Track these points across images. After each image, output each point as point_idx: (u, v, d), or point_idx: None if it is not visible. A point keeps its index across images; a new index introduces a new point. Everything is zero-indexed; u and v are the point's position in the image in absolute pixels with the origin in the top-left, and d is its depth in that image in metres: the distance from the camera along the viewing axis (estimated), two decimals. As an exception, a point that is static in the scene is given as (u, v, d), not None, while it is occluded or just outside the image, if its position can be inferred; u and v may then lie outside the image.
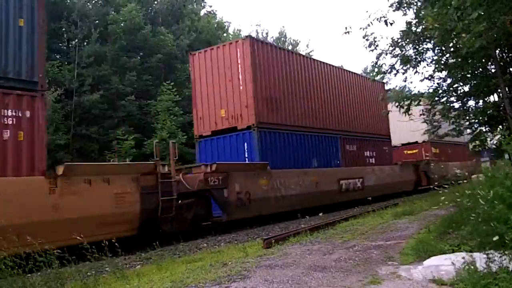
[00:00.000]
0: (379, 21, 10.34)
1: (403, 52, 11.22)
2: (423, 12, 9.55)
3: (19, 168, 8.03)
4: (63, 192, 8.33)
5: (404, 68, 11.40)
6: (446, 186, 8.42)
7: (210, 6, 50.87)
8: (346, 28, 10.30)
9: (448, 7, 7.21)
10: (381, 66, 11.74)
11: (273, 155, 14.46)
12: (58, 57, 29.91)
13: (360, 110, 20.98)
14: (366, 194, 17.62)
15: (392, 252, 5.97)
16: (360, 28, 10.92)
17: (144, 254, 8.64)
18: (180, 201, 10.79)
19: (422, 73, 11.57)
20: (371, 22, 10.40)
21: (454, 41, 8.87)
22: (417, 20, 10.72)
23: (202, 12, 40.01)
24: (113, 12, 30.68)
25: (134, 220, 9.48)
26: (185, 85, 28.91)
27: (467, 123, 12.85)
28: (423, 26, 9.79)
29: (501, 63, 10.45)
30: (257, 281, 4.78)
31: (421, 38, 10.72)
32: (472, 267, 3.99)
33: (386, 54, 11.32)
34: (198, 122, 15.68)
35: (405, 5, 10.85)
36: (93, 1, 32.91)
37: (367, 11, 16.76)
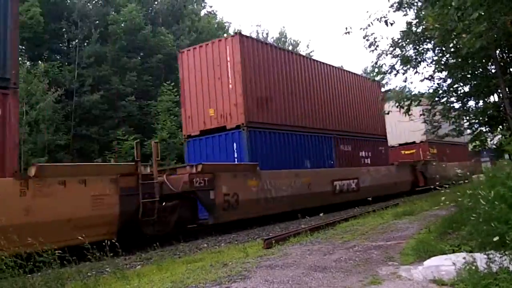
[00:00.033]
0: (380, 21, 10.34)
1: (403, 53, 11.22)
2: (423, 12, 9.55)
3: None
4: (35, 194, 7.95)
5: (404, 68, 11.40)
6: (446, 186, 8.42)
7: (211, 7, 51.04)
8: (346, 28, 10.32)
9: (449, 7, 7.21)
10: (381, 66, 11.74)
11: (264, 155, 14.12)
12: (58, 57, 29.96)
13: (355, 110, 20.61)
14: (361, 196, 17.44)
15: (393, 253, 5.97)
16: (361, 29, 10.93)
17: (145, 254, 8.65)
18: (164, 203, 10.49)
19: (422, 73, 11.58)
20: (371, 22, 10.41)
21: (454, 41, 8.87)
22: (417, 20, 10.72)
23: (203, 13, 40.06)
24: (113, 13, 30.72)
25: (113, 223, 9.07)
26: (185, 86, 28.91)
27: (467, 123, 12.86)
28: (424, 27, 9.79)
29: (501, 64, 10.45)
30: (257, 282, 4.78)
31: (422, 38, 10.72)
32: (473, 267, 3.99)
33: (387, 54, 11.32)
34: (186, 121, 15.36)
35: (406, 5, 10.84)
36: (94, 1, 32.95)
37: (367, 11, 16.73)
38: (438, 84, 11.81)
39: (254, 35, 44.07)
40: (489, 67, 10.89)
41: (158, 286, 5.11)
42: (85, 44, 30.26)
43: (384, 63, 11.66)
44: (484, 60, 10.48)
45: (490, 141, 12.83)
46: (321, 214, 12.54)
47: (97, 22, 30.65)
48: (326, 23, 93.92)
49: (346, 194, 17.35)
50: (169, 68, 30.92)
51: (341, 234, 8.44)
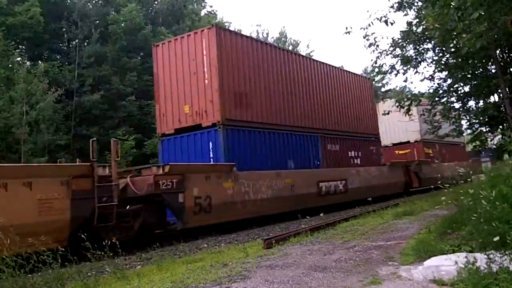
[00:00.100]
0: (380, 21, 10.33)
1: (403, 53, 11.22)
2: (423, 12, 9.55)
3: None
4: None
5: (405, 68, 11.40)
6: (447, 186, 8.41)
7: (211, 6, 51.07)
8: (346, 28, 10.29)
9: (450, 6, 7.21)
10: (381, 66, 11.74)
11: (242, 155, 13.33)
12: (58, 57, 29.99)
13: (344, 107, 19.69)
14: (349, 197, 16.89)
15: (393, 253, 5.97)
16: (361, 28, 10.92)
17: (145, 254, 8.65)
18: (128, 207, 9.79)
19: (422, 73, 11.58)
20: (371, 22, 10.40)
21: (454, 41, 8.87)
22: (417, 20, 10.72)
23: (203, 13, 40.08)
24: (113, 12, 30.74)
25: (63, 230, 8.26)
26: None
27: (468, 123, 12.85)
28: (424, 26, 9.79)
29: (502, 64, 10.45)
30: (257, 282, 4.78)
31: (422, 38, 10.72)
32: (473, 267, 3.99)
33: (387, 54, 11.32)
34: (161, 119, 14.49)
35: (406, 5, 10.84)
36: (94, 1, 32.97)
37: (367, 11, 16.68)
38: (438, 84, 11.82)
39: (254, 35, 44.11)
40: (489, 67, 10.89)
41: (158, 286, 5.11)
42: (85, 44, 30.29)
43: (385, 63, 11.66)
44: (484, 60, 10.48)
45: (490, 141, 12.82)
46: (321, 214, 12.53)
47: (97, 22, 30.68)
48: (326, 23, 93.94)
49: (333, 196, 16.50)
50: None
51: (341, 234, 8.44)
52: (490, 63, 10.67)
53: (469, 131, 13.70)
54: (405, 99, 11.77)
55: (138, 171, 11.12)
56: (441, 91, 11.77)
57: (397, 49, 11.25)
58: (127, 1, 31.34)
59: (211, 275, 5.33)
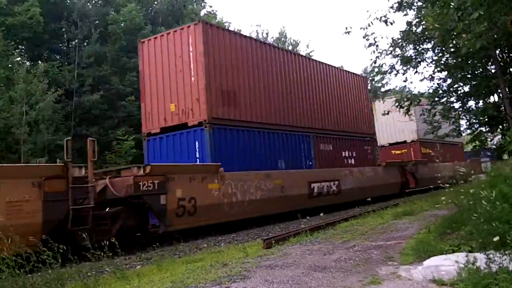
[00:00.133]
0: (380, 21, 10.34)
1: (403, 53, 11.22)
2: (423, 12, 9.55)
3: None
4: None
5: (404, 68, 11.40)
6: (446, 186, 8.41)
7: (211, 7, 51.05)
8: (346, 28, 10.30)
9: (450, 6, 7.21)
10: (381, 66, 11.74)
11: (230, 155, 12.95)
12: (58, 57, 30.00)
13: (338, 106, 19.19)
14: (343, 199, 16.52)
15: (392, 252, 5.97)
16: (361, 28, 10.92)
17: (144, 254, 8.65)
18: (108, 209, 9.45)
19: (422, 73, 11.57)
20: (371, 22, 10.41)
21: (454, 41, 8.87)
22: (417, 20, 10.73)
23: (203, 13, 40.06)
24: (113, 12, 30.73)
25: (35, 234, 7.67)
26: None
27: (468, 123, 12.86)
28: (424, 27, 9.80)
29: (501, 64, 10.45)
30: (257, 281, 4.78)
31: (422, 38, 10.72)
32: (473, 267, 3.99)
33: (387, 54, 11.32)
34: (146, 118, 14.08)
35: (405, 5, 10.84)
36: (93, 1, 32.97)
37: (367, 11, 16.67)
38: (438, 84, 11.81)
39: (254, 35, 44.11)
40: (489, 67, 10.89)
41: (158, 286, 5.11)
42: (85, 44, 30.29)
43: (384, 63, 11.66)
44: (484, 60, 10.49)
45: (490, 141, 12.83)
46: (321, 214, 12.52)
47: (97, 22, 30.67)
48: (326, 23, 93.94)
49: (326, 197, 15.98)
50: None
51: (341, 234, 8.44)
52: (490, 63, 10.68)
53: (468, 131, 13.71)
54: (405, 99, 11.76)
55: (118, 172, 10.57)
56: (441, 91, 11.77)
57: (397, 49, 11.25)
58: (126, 1, 31.34)
59: (211, 275, 5.33)
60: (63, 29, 30.02)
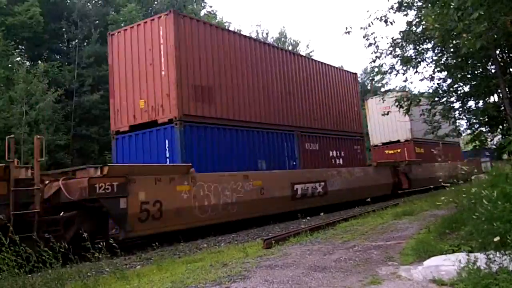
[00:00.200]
0: (380, 21, 10.33)
1: (403, 53, 11.20)
2: (423, 12, 9.54)
3: None
4: None
5: (404, 68, 11.38)
6: (446, 186, 8.41)
7: (210, 7, 51.10)
8: (346, 28, 10.27)
9: (450, 6, 7.21)
10: (381, 66, 11.72)
11: (204, 155, 12.22)
12: (58, 57, 30.01)
13: (326, 103, 18.26)
14: (329, 200, 15.80)
15: (392, 252, 5.97)
16: (361, 28, 10.89)
17: (144, 254, 8.66)
18: (62, 214, 8.74)
19: (422, 73, 11.56)
20: (371, 22, 10.39)
21: (454, 41, 8.86)
22: (417, 20, 10.71)
23: (202, 13, 40.08)
24: (113, 12, 30.75)
25: None
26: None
27: (468, 123, 12.84)
28: (424, 26, 9.79)
29: (501, 64, 10.43)
30: (257, 282, 4.78)
31: (422, 38, 10.71)
32: (473, 267, 3.99)
33: (387, 54, 11.30)
34: (115, 115, 13.29)
35: (405, 5, 10.83)
36: (93, 1, 32.97)
37: (367, 11, 16.64)
38: (438, 84, 11.80)
39: (254, 35, 44.11)
40: (489, 67, 10.87)
41: (158, 286, 5.11)
42: (85, 44, 30.29)
43: (384, 63, 11.64)
44: (484, 60, 10.47)
45: (490, 141, 12.81)
46: (321, 214, 12.51)
47: (97, 22, 30.68)
48: (326, 23, 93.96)
49: (311, 199, 15.14)
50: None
51: (341, 234, 8.45)
52: (490, 63, 10.66)
53: (468, 131, 13.69)
54: (405, 99, 11.75)
55: (73, 173, 9.66)
56: (441, 91, 11.75)
57: (397, 49, 11.23)
58: (126, 1, 31.35)
59: (211, 275, 5.33)
60: (63, 29, 30.03)
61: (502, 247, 4.18)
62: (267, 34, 50.30)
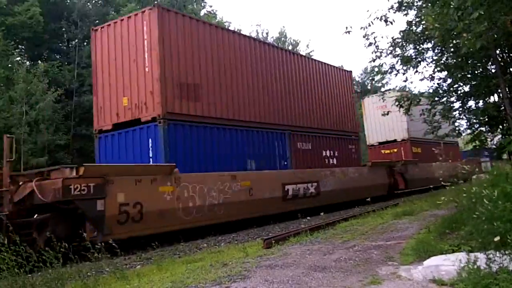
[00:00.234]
0: (380, 20, 10.32)
1: (403, 52, 11.20)
2: (423, 11, 9.54)
3: None
4: None
5: (404, 68, 11.38)
6: (447, 185, 8.41)
7: (210, 6, 51.16)
8: (346, 27, 10.27)
9: (450, 6, 7.20)
10: (381, 65, 11.72)
11: (189, 155, 11.79)
12: (58, 57, 30.03)
13: (319, 102, 17.77)
14: (322, 201, 15.28)
15: (392, 252, 5.97)
16: (361, 28, 10.89)
17: (144, 254, 8.66)
18: (36, 216, 8.36)
19: (422, 72, 11.56)
20: (371, 22, 10.38)
21: (454, 41, 8.86)
22: (417, 20, 10.71)
23: (202, 12, 40.11)
24: (113, 12, 30.77)
25: None
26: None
27: (468, 123, 12.84)
28: (424, 26, 9.78)
29: (501, 63, 10.42)
30: (257, 281, 4.78)
31: (422, 38, 10.71)
32: (473, 267, 3.99)
33: (387, 54, 11.30)
34: (98, 113, 12.77)
35: (405, 5, 10.83)
36: (93, 1, 32.97)
37: (367, 11, 16.61)
38: (438, 84, 11.80)
39: (254, 35, 44.10)
40: (489, 67, 10.87)
41: (158, 286, 5.11)
42: (85, 44, 30.30)
43: (384, 63, 11.64)
44: (484, 60, 10.46)
45: (490, 141, 12.81)
46: (321, 214, 12.51)
47: (97, 22, 30.64)
48: (326, 23, 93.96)
49: (302, 200, 14.69)
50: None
51: (341, 234, 8.45)
52: (490, 63, 10.66)
53: (468, 131, 13.69)
54: (405, 99, 11.75)
55: (48, 174, 9.25)
56: (441, 91, 11.75)
57: (397, 49, 11.23)
58: (126, 1, 31.36)
59: (211, 275, 5.33)
60: (63, 29, 30.05)
61: (503, 246, 4.18)
62: (267, 34, 50.40)
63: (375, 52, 11.29)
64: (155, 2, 12.36)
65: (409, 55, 11.22)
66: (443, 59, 11.02)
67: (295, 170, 15.29)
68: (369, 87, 51.78)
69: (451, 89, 11.57)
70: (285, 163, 15.21)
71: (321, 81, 18.44)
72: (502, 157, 13.83)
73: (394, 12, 10.81)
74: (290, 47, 46.44)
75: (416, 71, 11.43)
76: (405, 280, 4.44)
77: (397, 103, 11.82)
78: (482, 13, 6.65)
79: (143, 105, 11.70)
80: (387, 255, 5.82)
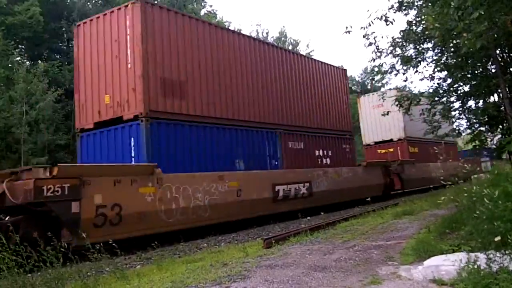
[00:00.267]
0: (380, 20, 10.33)
1: (403, 52, 11.21)
2: (423, 11, 9.55)
3: None
4: None
5: (405, 68, 11.39)
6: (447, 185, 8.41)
7: (211, 6, 51.19)
8: (346, 27, 10.28)
9: (450, 5, 7.21)
10: (381, 65, 11.72)
11: (173, 155, 11.30)
12: (58, 57, 30.01)
13: (312, 100, 17.32)
14: (315, 202, 14.94)
15: (393, 252, 5.97)
16: (361, 28, 10.90)
17: (144, 254, 8.66)
18: (7, 218, 7.93)
19: (422, 72, 11.56)
20: (371, 21, 10.39)
21: (454, 41, 8.87)
22: (418, 19, 10.72)
23: (202, 12, 40.11)
24: (113, 12, 30.70)
25: None
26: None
27: (468, 123, 12.85)
28: (424, 26, 9.79)
29: (501, 63, 10.43)
30: (257, 281, 4.78)
31: (422, 37, 10.72)
32: (473, 267, 3.99)
33: (387, 54, 11.31)
34: (80, 111, 12.37)
35: (406, 5, 10.84)
36: (93, 1, 32.96)
37: (368, 10, 16.60)
38: (438, 83, 11.81)
39: (254, 35, 44.08)
40: (489, 67, 10.88)
41: (158, 286, 5.11)
42: (85, 43, 30.27)
43: (385, 62, 11.65)
44: (484, 60, 10.47)
45: (491, 141, 12.82)
46: (321, 214, 12.52)
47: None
48: (326, 23, 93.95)
49: (294, 201, 14.28)
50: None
51: (341, 233, 8.45)
52: (490, 63, 10.66)
53: (468, 131, 13.69)
54: (405, 99, 11.75)
55: (20, 174, 8.69)
56: (441, 91, 11.76)
57: (397, 48, 11.24)
58: (127, 0, 31.33)
59: (211, 275, 5.33)
60: (63, 29, 30.04)
61: (503, 246, 4.18)
62: (267, 33, 50.47)
63: (375, 52, 11.30)
64: (151, -1, 12.05)
65: (409, 55, 11.23)
66: (443, 59, 11.03)
67: (286, 170, 14.84)
68: (369, 87, 51.78)
69: (451, 89, 11.57)
70: (276, 163, 14.78)
71: (314, 79, 17.93)
72: (502, 157, 13.84)
73: (394, 12, 10.82)
74: (290, 47, 46.44)
75: (416, 71, 11.44)
76: (405, 280, 4.44)
77: (397, 102, 11.83)
78: (482, 13, 6.66)
79: (125, 102, 11.28)
80: (387, 255, 5.82)
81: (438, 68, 11.08)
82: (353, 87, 55.73)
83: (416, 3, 10.87)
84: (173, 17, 12.14)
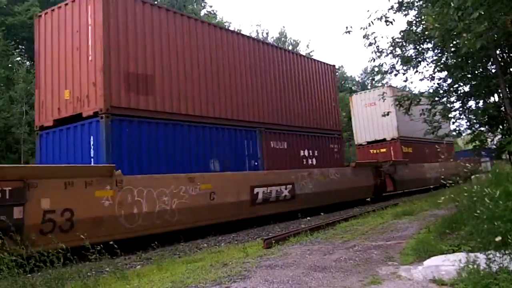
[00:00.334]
0: (380, 20, 10.34)
1: (403, 52, 11.22)
2: (423, 11, 9.56)
3: None
4: None
5: (405, 68, 11.40)
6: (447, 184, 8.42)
7: (211, 6, 51.20)
8: (346, 27, 10.28)
9: (450, 5, 7.21)
10: (381, 65, 11.73)
11: (138, 155, 10.48)
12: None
13: (296, 97, 16.48)
14: (298, 205, 14.09)
15: (392, 252, 5.97)
16: (361, 28, 10.91)
17: (144, 254, 8.66)
18: None
19: (422, 72, 11.57)
20: (371, 22, 10.40)
21: (454, 41, 8.88)
22: (418, 20, 10.73)
23: (203, 12, 40.12)
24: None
25: None
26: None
27: (468, 123, 12.85)
28: (424, 26, 9.80)
29: (502, 63, 10.43)
30: (257, 281, 4.78)
31: (422, 38, 10.73)
32: (473, 267, 3.99)
33: (387, 54, 11.32)
34: (40, 108, 11.55)
35: (406, 5, 10.85)
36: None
37: (368, 11, 16.61)
38: (438, 84, 11.81)
39: (254, 35, 44.08)
40: (489, 67, 10.88)
41: (158, 286, 5.11)
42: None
43: (385, 62, 11.66)
44: (484, 60, 10.47)
45: (490, 141, 12.82)
46: (321, 214, 12.53)
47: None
48: (326, 23, 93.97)
49: (275, 204, 13.52)
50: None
51: (341, 234, 8.45)
52: (490, 63, 10.67)
53: (468, 131, 13.70)
54: (405, 98, 11.76)
55: None
56: (441, 91, 11.77)
57: (397, 49, 11.25)
58: None
59: (211, 275, 5.33)
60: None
61: (503, 246, 4.18)
62: (267, 34, 50.48)
63: (375, 52, 11.31)
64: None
65: (409, 55, 11.23)
66: (443, 59, 11.04)
67: (267, 171, 14.01)
68: (369, 87, 51.79)
69: (451, 89, 11.58)
70: (256, 163, 13.91)
71: (300, 75, 17.09)
72: (502, 157, 13.84)
73: (394, 12, 10.83)
74: (290, 47, 46.44)
75: (416, 71, 11.45)
76: (405, 280, 4.44)
77: (397, 102, 11.84)
78: (482, 13, 6.66)
79: (85, 98, 10.46)
80: (387, 255, 5.82)
81: (438, 68, 11.08)
82: (353, 87, 55.75)
83: (416, 4, 10.88)
84: (140, 7, 11.25)
